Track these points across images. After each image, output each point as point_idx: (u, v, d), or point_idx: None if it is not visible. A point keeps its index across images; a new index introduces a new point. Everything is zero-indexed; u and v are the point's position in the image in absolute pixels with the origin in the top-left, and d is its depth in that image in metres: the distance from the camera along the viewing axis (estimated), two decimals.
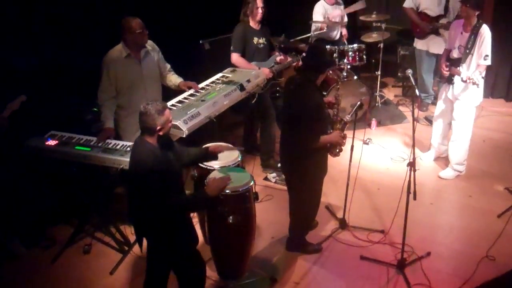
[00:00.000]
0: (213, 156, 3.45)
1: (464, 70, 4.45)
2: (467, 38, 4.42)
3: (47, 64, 4.32)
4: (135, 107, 4.05)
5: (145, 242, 3.18)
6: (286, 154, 3.77)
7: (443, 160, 5.20)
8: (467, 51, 4.41)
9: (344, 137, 3.87)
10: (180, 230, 3.05)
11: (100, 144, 3.85)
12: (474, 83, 4.26)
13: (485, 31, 4.36)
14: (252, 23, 4.79)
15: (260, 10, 4.73)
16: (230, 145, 3.67)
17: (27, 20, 4.24)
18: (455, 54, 4.58)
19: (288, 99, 3.71)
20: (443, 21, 5.71)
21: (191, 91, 4.25)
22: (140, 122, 2.88)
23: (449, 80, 4.64)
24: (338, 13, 6.13)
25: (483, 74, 4.42)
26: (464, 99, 4.60)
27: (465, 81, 4.34)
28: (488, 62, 4.41)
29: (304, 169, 3.65)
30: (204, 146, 3.50)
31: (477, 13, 4.37)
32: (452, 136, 4.83)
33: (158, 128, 2.86)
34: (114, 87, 4.03)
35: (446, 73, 4.63)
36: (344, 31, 6.23)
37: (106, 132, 3.95)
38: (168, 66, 4.32)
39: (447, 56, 4.70)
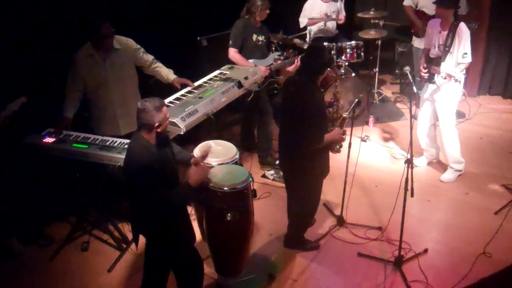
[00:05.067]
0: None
1: (444, 68, 4.44)
2: (445, 36, 4.42)
3: (45, 62, 4.31)
4: (104, 103, 4.11)
5: (142, 240, 3.18)
6: (287, 154, 3.75)
7: (439, 162, 5.21)
8: (446, 49, 4.42)
9: (344, 133, 3.88)
10: (177, 228, 3.05)
11: (97, 142, 3.86)
12: (456, 80, 4.29)
13: (463, 29, 4.37)
14: (253, 21, 4.77)
15: (267, 11, 4.72)
16: (208, 145, 3.60)
17: (26, 21, 4.23)
18: (434, 52, 4.57)
19: (288, 100, 3.67)
20: None
21: (188, 88, 4.25)
22: (138, 119, 2.88)
23: (430, 79, 4.61)
24: (334, 9, 6.13)
25: (463, 71, 4.43)
26: (445, 97, 4.61)
27: (444, 78, 4.35)
28: (468, 59, 4.41)
29: (306, 169, 3.65)
30: (192, 156, 3.43)
31: (452, 12, 4.38)
32: (442, 136, 4.80)
33: (156, 124, 2.86)
34: (80, 83, 4.03)
35: (425, 74, 4.60)
36: (341, 16, 6.21)
37: (62, 121, 3.96)
38: (151, 58, 4.25)
39: (426, 55, 4.68)
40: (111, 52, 4.02)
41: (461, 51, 4.38)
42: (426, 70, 4.59)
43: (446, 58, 4.44)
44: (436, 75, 4.52)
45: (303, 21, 6.07)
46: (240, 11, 4.83)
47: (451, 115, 4.71)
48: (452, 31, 4.37)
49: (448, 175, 4.91)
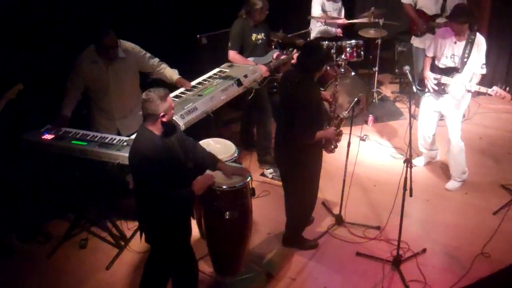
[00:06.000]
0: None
1: (462, 79, 4.39)
2: (462, 47, 4.37)
3: (44, 59, 4.30)
4: (103, 105, 4.14)
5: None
6: (283, 150, 3.75)
7: (438, 162, 5.21)
8: (465, 60, 4.37)
9: (340, 133, 3.88)
10: (179, 223, 3.05)
11: (97, 139, 3.85)
12: (504, 98, 4.24)
13: (482, 41, 4.35)
14: (251, 21, 4.76)
15: (267, 12, 4.71)
16: (242, 168, 3.50)
17: (26, 17, 4.22)
18: (446, 63, 4.50)
19: (285, 96, 3.67)
20: (439, 20, 5.69)
21: None
22: (142, 109, 2.87)
23: (442, 91, 4.52)
24: (336, 7, 6.12)
25: (499, 86, 4.32)
26: (457, 108, 4.55)
27: (470, 91, 4.36)
28: (484, 70, 4.40)
29: (301, 165, 3.65)
30: (214, 155, 3.33)
31: (468, 25, 4.32)
32: (451, 149, 4.70)
33: (161, 114, 2.85)
34: (80, 85, 4.03)
35: (433, 86, 4.52)
36: (339, 29, 6.23)
37: (61, 119, 3.96)
38: (156, 61, 4.24)
39: (431, 65, 4.60)
40: (115, 59, 4.02)
41: (480, 62, 4.35)
42: (436, 82, 4.50)
43: (464, 69, 4.39)
44: (448, 85, 4.45)
45: (314, 24, 6.03)
46: (240, 8, 4.81)
47: (460, 126, 4.63)
48: (470, 42, 4.32)
49: (453, 184, 4.82)
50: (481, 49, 4.35)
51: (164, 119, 2.88)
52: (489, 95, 4.31)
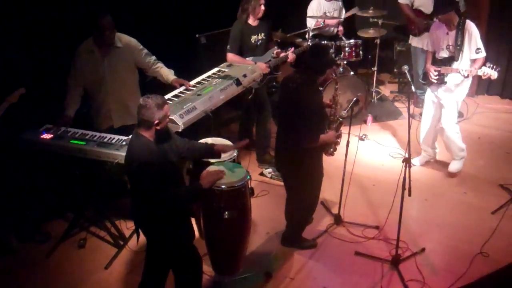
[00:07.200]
0: (217, 155, 3.41)
1: (459, 67, 4.46)
2: (454, 36, 4.44)
3: (43, 58, 4.30)
4: (101, 100, 4.14)
5: (142, 237, 3.17)
6: (285, 153, 3.74)
7: (437, 162, 5.22)
8: (458, 47, 4.44)
9: (339, 136, 3.88)
10: (178, 225, 3.05)
11: (95, 138, 3.85)
12: (490, 77, 4.34)
13: (471, 26, 4.42)
14: (250, 20, 4.75)
15: (262, 7, 4.69)
16: (232, 145, 3.62)
17: (26, 17, 4.22)
18: (443, 54, 4.58)
19: (287, 97, 3.65)
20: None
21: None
22: (138, 114, 2.88)
23: (441, 81, 4.60)
24: (336, 7, 6.12)
25: (488, 65, 4.41)
26: (454, 95, 4.63)
27: (466, 76, 4.41)
28: (482, 54, 4.44)
29: (302, 168, 3.64)
30: (209, 143, 3.47)
31: (454, 12, 4.40)
32: (445, 134, 4.78)
33: (156, 122, 2.86)
34: (80, 78, 4.04)
35: (435, 78, 4.60)
36: (340, 27, 6.22)
37: (63, 119, 3.97)
38: (153, 58, 4.24)
39: (432, 58, 4.71)
40: (111, 49, 4.01)
41: (474, 47, 4.41)
42: (436, 73, 4.57)
43: (459, 56, 4.46)
44: (446, 74, 4.53)
45: (310, 23, 6.03)
46: (237, 9, 4.80)
47: (455, 113, 4.73)
48: (461, 30, 4.40)
49: (455, 165, 4.90)
50: (472, 35, 4.41)
51: (158, 127, 2.89)
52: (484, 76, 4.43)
